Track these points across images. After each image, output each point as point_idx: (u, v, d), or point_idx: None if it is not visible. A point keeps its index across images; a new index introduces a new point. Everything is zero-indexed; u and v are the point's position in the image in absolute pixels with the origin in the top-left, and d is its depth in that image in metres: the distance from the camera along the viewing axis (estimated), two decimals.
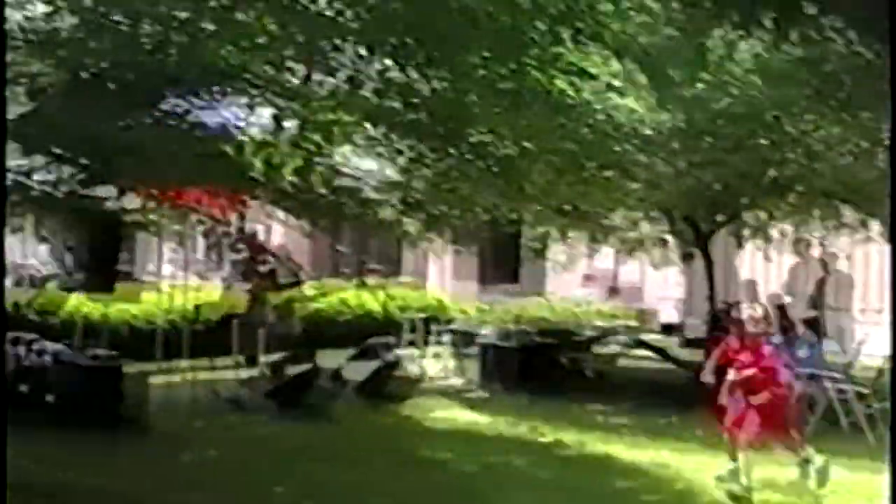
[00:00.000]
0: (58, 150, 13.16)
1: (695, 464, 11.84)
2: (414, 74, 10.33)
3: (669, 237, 20.34)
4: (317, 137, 10.71)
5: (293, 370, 15.80)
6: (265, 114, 11.45)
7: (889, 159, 12.54)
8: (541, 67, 10.65)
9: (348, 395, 16.26)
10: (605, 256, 28.10)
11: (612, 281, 31.12)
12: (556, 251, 21.58)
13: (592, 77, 11.13)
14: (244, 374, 16.63)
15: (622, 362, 19.49)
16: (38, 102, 10.75)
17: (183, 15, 9.89)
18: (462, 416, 15.40)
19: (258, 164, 10.99)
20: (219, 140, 11.39)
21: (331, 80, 10.77)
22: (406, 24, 9.24)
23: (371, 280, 27.23)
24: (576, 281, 30.97)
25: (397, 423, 15.01)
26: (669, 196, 17.35)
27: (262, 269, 17.92)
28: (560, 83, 11.33)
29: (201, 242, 26.91)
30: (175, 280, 17.70)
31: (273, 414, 14.88)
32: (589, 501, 10.64)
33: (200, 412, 15.04)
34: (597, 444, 13.27)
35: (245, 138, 11.24)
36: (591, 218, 18.65)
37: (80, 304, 14.73)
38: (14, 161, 14.26)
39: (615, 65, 11.34)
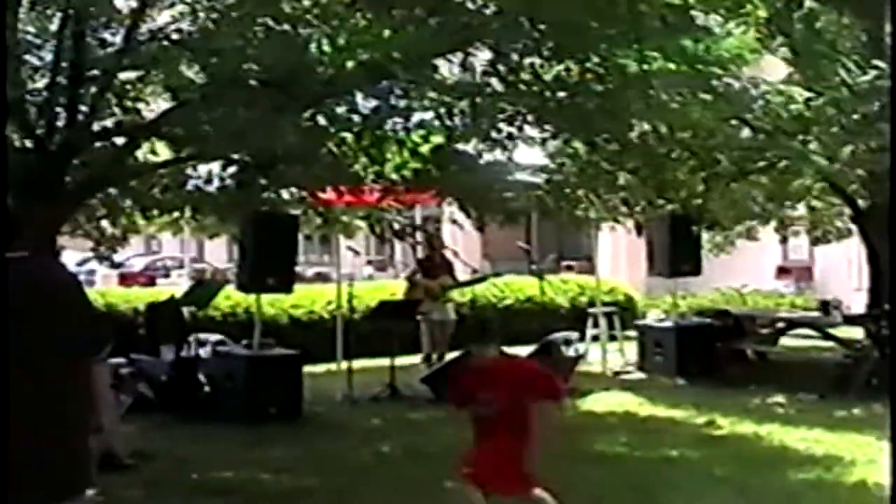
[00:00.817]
0: (236, 156, 13.55)
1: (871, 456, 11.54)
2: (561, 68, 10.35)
3: (856, 227, 19.84)
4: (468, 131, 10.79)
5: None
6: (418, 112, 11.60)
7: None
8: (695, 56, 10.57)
9: None
10: (799, 248, 27.68)
11: (806, 273, 30.56)
12: (740, 243, 21.32)
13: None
14: (423, 370, 16.82)
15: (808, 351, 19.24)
16: (195, 107, 11.08)
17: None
18: (642, 410, 15.32)
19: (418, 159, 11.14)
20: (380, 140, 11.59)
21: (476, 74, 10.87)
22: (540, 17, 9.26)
23: (562, 275, 27.22)
24: (769, 272, 30.54)
25: (576, 416, 14.95)
26: (850, 184, 16.99)
27: (443, 265, 18.00)
28: (719, 70, 11.24)
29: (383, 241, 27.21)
30: (358, 278, 17.98)
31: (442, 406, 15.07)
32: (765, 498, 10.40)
33: (375, 406, 15.52)
34: (774, 436, 13.09)
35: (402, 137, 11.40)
36: (770, 211, 18.40)
37: (257, 302, 15.09)
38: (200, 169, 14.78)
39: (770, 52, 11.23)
